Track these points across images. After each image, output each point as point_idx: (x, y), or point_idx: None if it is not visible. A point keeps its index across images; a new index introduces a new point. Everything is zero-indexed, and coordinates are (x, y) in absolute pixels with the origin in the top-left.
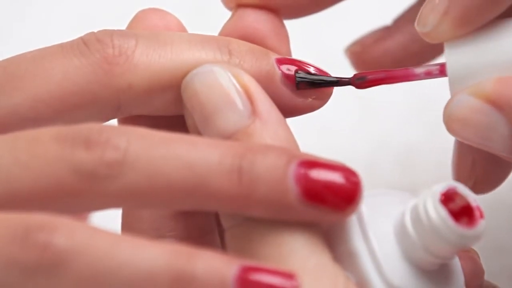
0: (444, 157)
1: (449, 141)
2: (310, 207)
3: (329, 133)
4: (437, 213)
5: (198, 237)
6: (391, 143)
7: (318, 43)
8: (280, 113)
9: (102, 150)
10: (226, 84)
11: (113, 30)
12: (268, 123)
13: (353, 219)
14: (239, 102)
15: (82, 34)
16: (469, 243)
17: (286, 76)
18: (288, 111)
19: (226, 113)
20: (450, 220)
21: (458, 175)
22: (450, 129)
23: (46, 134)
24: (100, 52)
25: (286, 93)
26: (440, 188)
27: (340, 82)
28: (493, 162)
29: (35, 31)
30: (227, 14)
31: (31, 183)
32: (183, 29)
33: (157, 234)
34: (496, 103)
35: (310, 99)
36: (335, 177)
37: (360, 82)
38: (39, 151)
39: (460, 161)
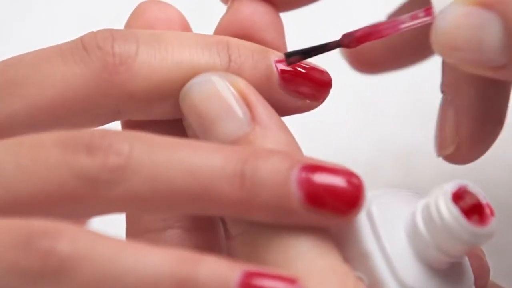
0: None
1: None
2: (313, 211)
3: (329, 135)
4: (450, 212)
5: (205, 229)
6: (392, 144)
7: (313, 36)
8: (280, 118)
9: (105, 155)
10: (224, 93)
11: (114, 33)
12: (268, 129)
13: (363, 220)
14: (238, 110)
15: (82, 34)
16: (482, 241)
17: (283, 77)
18: (285, 110)
19: (226, 122)
20: (462, 219)
21: (441, 139)
22: (438, 46)
23: (48, 139)
24: (100, 60)
25: (283, 94)
26: (451, 186)
27: (329, 45)
28: (478, 124)
29: (35, 31)
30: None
31: (33, 189)
32: (185, 21)
33: (164, 225)
34: (485, 2)
35: (308, 101)
36: (338, 181)
37: (349, 40)
38: (41, 156)
39: (443, 123)
